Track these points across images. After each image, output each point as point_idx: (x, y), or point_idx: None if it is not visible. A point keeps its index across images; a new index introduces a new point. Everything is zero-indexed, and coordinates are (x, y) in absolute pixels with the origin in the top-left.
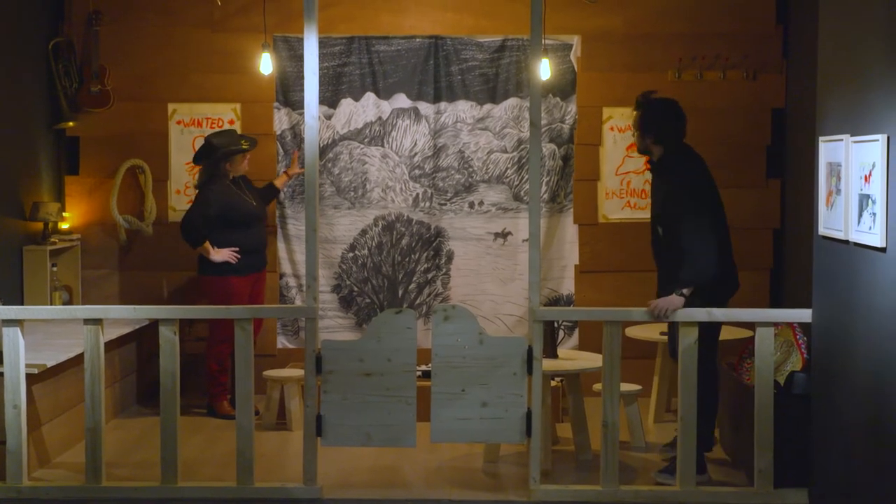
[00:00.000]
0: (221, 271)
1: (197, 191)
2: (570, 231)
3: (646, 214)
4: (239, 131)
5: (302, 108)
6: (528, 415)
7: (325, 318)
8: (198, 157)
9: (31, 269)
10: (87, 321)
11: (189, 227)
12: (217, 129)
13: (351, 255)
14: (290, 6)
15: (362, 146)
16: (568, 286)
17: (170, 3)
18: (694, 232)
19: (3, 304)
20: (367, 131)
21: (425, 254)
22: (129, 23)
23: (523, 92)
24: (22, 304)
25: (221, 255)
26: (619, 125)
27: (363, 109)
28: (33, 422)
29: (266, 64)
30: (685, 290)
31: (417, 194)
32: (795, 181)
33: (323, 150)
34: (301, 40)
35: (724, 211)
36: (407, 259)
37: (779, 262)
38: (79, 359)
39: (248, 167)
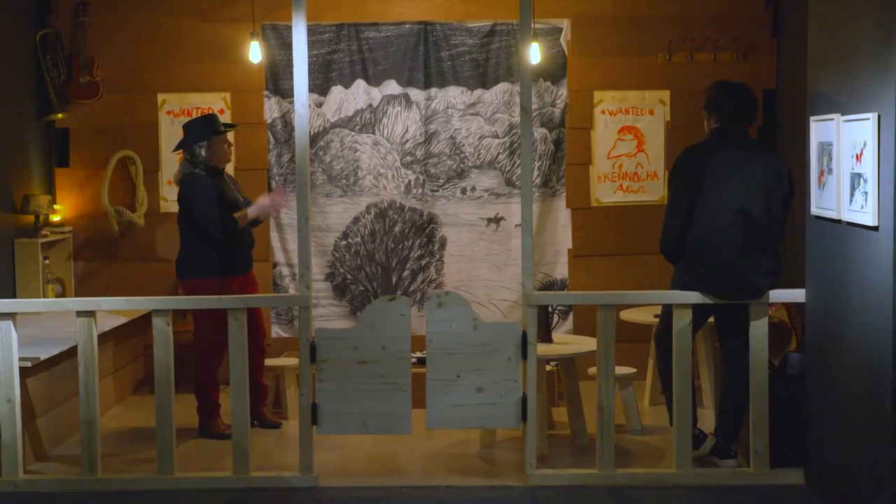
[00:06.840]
0: (196, 273)
1: (179, 188)
2: (562, 215)
3: (638, 197)
4: (230, 120)
5: (292, 96)
6: (524, 400)
7: (319, 306)
8: (178, 146)
9: (23, 261)
10: (79, 313)
11: (214, 227)
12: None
13: (344, 243)
14: None
15: (353, 133)
16: (561, 270)
17: None
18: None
19: None
20: (358, 118)
21: (418, 240)
22: (117, 13)
23: (514, 77)
24: (14, 297)
25: (264, 201)
26: (610, 108)
27: (353, 97)
28: (28, 415)
29: (255, 52)
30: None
31: (409, 181)
32: (787, 161)
33: (314, 138)
34: (290, 28)
35: (727, 204)
36: (400, 246)
37: None
38: (72, 351)
39: (230, 157)
